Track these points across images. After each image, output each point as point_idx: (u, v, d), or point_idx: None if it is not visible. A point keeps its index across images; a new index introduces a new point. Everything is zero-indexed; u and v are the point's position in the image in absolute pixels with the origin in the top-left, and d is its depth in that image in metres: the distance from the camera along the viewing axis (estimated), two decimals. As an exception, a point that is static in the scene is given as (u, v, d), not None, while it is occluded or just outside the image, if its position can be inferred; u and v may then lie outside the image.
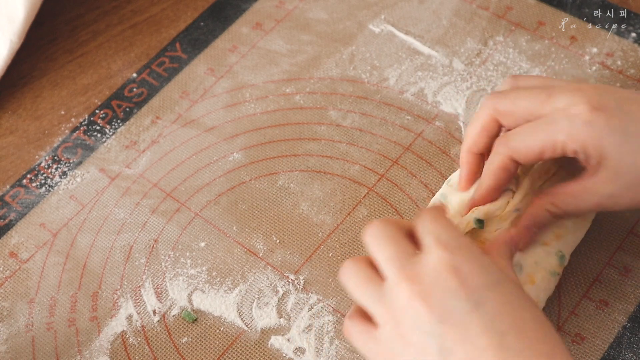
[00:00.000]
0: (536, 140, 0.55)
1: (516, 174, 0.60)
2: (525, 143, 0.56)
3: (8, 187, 0.73)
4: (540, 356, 0.48)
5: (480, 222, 0.58)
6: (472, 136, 0.60)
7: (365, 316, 0.52)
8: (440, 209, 0.53)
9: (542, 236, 0.59)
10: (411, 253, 0.50)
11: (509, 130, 0.58)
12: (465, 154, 0.60)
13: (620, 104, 0.55)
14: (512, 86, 0.60)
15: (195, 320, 0.64)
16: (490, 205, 0.59)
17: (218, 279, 0.66)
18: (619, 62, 0.74)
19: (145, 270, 0.67)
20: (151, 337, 0.64)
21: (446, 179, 0.66)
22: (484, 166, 0.60)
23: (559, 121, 0.55)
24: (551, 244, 0.59)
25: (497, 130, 0.59)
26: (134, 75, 0.79)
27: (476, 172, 0.61)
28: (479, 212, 0.58)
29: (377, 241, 0.51)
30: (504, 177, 0.58)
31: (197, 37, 0.81)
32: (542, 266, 0.58)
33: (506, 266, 0.54)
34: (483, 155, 0.60)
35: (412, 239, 0.52)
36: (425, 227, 0.51)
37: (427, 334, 0.48)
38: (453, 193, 0.62)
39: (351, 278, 0.52)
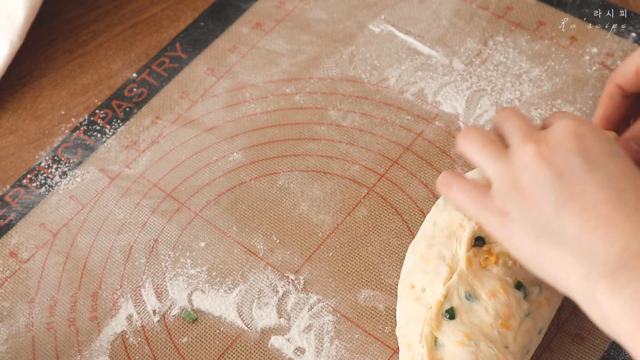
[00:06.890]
0: (632, 60, 0.62)
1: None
2: (624, 66, 0.63)
3: (8, 187, 0.73)
4: None
5: (480, 240, 0.58)
6: (602, 106, 0.65)
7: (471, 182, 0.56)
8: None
9: None
10: (536, 128, 0.54)
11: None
12: (599, 121, 0.65)
13: None
14: None
15: (195, 320, 0.64)
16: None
17: (218, 279, 0.66)
18: (619, 62, 0.74)
19: (145, 270, 0.67)
20: (151, 337, 0.64)
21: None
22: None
23: None
24: None
25: (620, 96, 0.64)
26: (134, 75, 0.79)
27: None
28: (479, 229, 0.58)
29: (507, 116, 0.56)
30: (611, 106, 0.64)
31: (197, 37, 0.81)
32: (556, 290, 0.58)
33: None
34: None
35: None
36: (554, 117, 0.56)
37: (545, 186, 0.50)
38: (441, 213, 0.61)
39: (473, 139, 0.55)
